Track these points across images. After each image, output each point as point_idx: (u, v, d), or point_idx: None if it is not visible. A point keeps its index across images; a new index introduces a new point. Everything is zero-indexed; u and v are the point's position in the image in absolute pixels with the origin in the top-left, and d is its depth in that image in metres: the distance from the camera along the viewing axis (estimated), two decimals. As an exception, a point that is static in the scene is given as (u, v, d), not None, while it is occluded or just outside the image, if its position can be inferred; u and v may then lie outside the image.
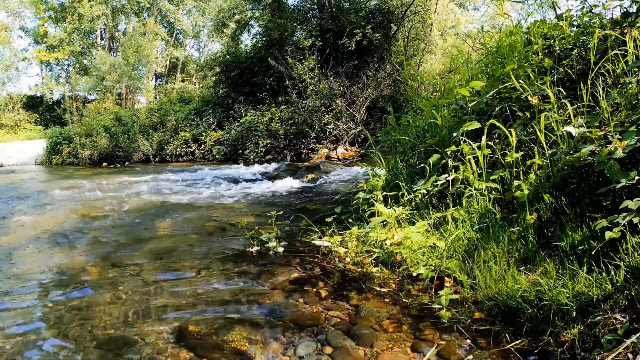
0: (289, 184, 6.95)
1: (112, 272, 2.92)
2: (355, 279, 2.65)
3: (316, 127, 10.95)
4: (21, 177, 9.89)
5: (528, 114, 2.75)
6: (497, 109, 2.90)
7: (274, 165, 9.74)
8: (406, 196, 3.18)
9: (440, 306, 2.14)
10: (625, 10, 2.93)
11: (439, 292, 2.22)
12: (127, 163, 12.98)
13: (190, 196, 5.99)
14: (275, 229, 3.51)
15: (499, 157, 2.80)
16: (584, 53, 2.87)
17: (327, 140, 11.03)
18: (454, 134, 3.02)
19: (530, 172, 2.52)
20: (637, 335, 1.51)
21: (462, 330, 1.96)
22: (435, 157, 3.07)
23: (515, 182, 2.44)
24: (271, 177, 7.88)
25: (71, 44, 24.58)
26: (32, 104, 26.03)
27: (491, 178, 2.68)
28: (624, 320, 1.64)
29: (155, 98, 23.80)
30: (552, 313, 1.83)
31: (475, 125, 2.83)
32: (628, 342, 1.49)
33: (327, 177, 7.31)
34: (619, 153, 1.98)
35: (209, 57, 18.96)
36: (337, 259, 2.97)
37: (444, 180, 2.92)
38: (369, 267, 2.81)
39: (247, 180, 7.61)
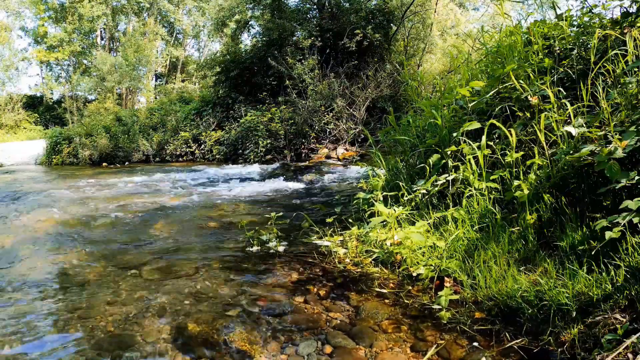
0: (289, 184, 6.95)
1: (112, 272, 2.91)
2: (355, 279, 2.65)
3: (316, 127, 10.94)
4: (21, 177, 9.89)
5: (528, 114, 2.75)
6: (497, 109, 2.90)
7: (274, 165, 9.74)
8: (406, 196, 3.18)
9: (440, 307, 2.14)
10: (625, 10, 2.93)
11: (439, 292, 2.22)
12: (127, 163, 12.98)
13: (190, 196, 5.99)
14: (275, 229, 3.51)
15: (499, 157, 2.80)
16: (584, 53, 2.87)
17: (327, 140, 11.02)
18: (454, 134, 3.02)
19: (530, 172, 2.52)
20: (637, 335, 1.51)
21: (462, 330, 1.96)
22: (435, 157, 3.07)
23: (515, 182, 2.44)
24: (271, 177, 7.88)
25: (71, 44, 24.60)
26: (32, 104, 26.05)
27: (491, 178, 2.68)
28: (624, 320, 1.64)
29: (155, 98, 23.81)
30: (552, 313, 1.82)
31: (475, 125, 2.83)
32: (628, 342, 1.49)
33: (327, 177, 7.31)
34: (619, 153, 1.98)
35: (209, 57, 18.97)
36: (337, 259, 2.97)
37: (444, 180, 2.92)
38: (369, 267, 2.81)
39: (247, 180, 7.61)
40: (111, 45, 26.98)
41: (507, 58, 3.19)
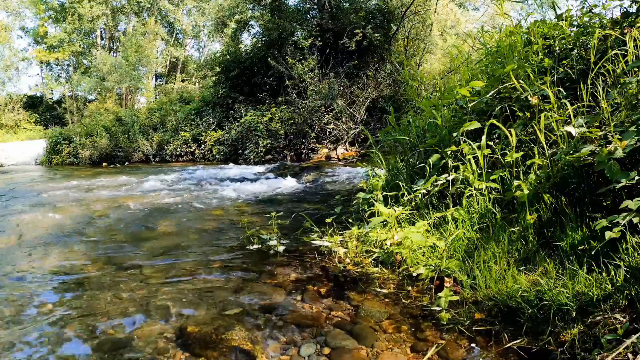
0: (289, 184, 6.95)
1: (112, 272, 2.91)
2: (355, 279, 2.65)
3: (316, 127, 10.95)
4: (21, 177, 9.89)
5: (528, 114, 2.75)
6: (497, 109, 2.90)
7: (274, 165, 9.74)
8: (406, 196, 3.18)
9: (440, 308, 2.13)
10: (625, 10, 2.93)
11: (439, 293, 2.22)
12: (127, 163, 12.99)
13: (190, 196, 5.99)
14: (275, 229, 3.51)
15: (499, 157, 2.80)
16: (584, 53, 2.87)
17: (327, 140, 11.03)
18: (454, 134, 3.02)
19: (530, 172, 2.52)
20: (637, 335, 1.51)
21: (462, 330, 1.96)
22: (435, 157, 3.07)
23: (515, 182, 2.44)
24: (271, 177, 7.88)
25: (71, 44, 24.60)
26: (32, 104, 26.05)
27: (491, 178, 2.68)
28: (624, 320, 1.64)
29: (155, 98, 23.80)
30: (552, 313, 1.82)
31: (475, 125, 2.83)
32: (628, 342, 1.49)
33: (327, 177, 7.31)
34: (619, 153, 1.98)
35: (209, 57, 18.96)
36: (337, 259, 2.97)
37: (444, 180, 2.92)
38: (369, 267, 2.81)
39: (247, 180, 7.61)
40: (111, 45, 26.98)
41: (507, 58, 3.19)
